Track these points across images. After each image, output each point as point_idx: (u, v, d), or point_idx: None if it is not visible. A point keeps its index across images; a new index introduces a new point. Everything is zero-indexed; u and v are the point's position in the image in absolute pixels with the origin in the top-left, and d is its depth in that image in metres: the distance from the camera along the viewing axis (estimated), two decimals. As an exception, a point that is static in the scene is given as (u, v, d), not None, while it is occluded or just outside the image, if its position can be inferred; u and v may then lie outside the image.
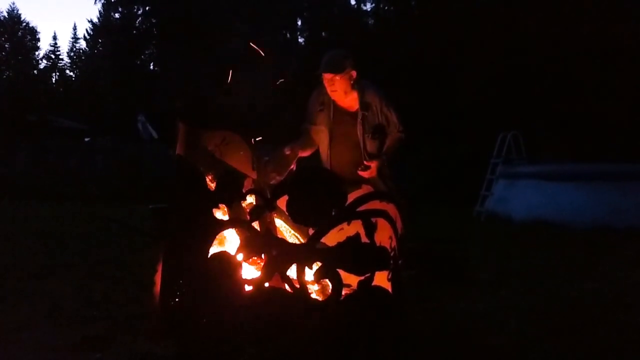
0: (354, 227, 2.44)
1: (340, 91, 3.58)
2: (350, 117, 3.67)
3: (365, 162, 3.56)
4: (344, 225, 2.44)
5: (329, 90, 3.61)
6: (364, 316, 2.42)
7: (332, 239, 2.46)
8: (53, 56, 47.84)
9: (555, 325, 3.36)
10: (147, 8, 27.94)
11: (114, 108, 32.62)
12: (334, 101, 3.69)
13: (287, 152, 3.53)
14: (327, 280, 2.40)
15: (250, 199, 2.98)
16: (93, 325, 3.11)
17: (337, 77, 3.50)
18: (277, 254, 2.39)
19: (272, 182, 3.34)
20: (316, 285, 2.70)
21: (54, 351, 2.72)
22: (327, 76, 3.52)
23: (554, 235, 7.73)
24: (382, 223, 2.54)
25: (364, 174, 3.53)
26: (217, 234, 2.54)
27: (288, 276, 2.38)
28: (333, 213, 2.40)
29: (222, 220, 2.59)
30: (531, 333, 3.19)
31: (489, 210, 10.46)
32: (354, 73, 3.56)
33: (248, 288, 2.37)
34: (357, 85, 3.60)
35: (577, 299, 4.05)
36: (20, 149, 14.45)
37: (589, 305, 3.84)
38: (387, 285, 2.54)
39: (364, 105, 3.61)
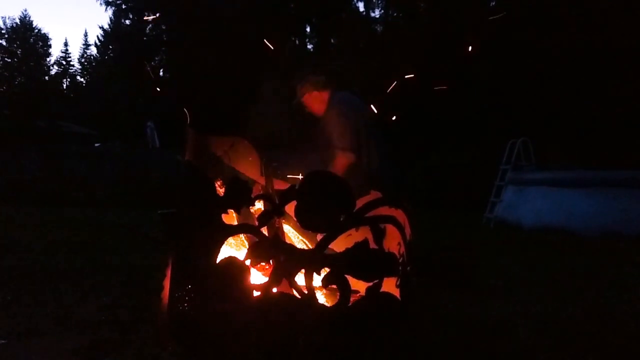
0: (363, 233, 2.44)
1: (312, 109, 4.01)
2: None
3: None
4: (353, 231, 2.44)
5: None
6: (372, 322, 2.41)
7: (340, 244, 2.45)
8: (64, 62, 48.46)
9: (565, 333, 3.33)
10: (157, 15, 28.16)
11: (124, 114, 32.87)
12: None
13: None
14: (335, 286, 2.39)
15: (259, 205, 2.99)
16: (101, 330, 3.12)
17: (303, 99, 3.98)
18: (285, 260, 2.39)
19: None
20: (324, 291, 2.70)
21: (63, 356, 2.73)
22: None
23: (564, 242, 7.67)
24: (390, 229, 2.53)
25: None
26: (225, 239, 2.54)
27: (296, 282, 2.38)
28: (341, 219, 2.40)
29: (230, 226, 2.59)
30: (540, 341, 3.16)
31: (498, 217, 10.42)
32: (315, 93, 3.94)
33: (256, 293, 2.37)
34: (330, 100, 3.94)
35: (586, 306, 4.01)
36: (30, 154, 14.54)
37: (598, 313, 3.81)
38: (396, 292, 2.53)
39: (322, 119, 3.96)
